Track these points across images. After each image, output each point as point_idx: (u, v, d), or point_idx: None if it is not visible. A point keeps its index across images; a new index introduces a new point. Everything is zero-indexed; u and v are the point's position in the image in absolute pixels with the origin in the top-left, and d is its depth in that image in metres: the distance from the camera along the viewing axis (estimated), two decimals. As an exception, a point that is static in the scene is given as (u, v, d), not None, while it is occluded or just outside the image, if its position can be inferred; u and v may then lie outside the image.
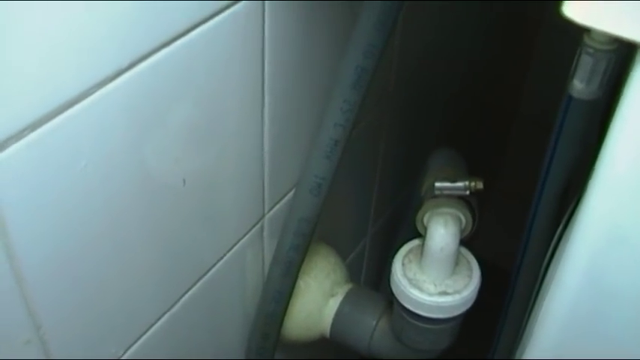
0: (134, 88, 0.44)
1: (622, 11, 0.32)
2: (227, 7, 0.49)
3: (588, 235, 0.40)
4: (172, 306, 0.61)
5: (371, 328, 0.77)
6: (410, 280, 0.69)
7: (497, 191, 1.47)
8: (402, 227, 0.96)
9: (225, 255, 0.65)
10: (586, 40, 0.51)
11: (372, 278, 1.08)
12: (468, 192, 0.68)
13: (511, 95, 1.42)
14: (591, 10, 0.33)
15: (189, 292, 0.62)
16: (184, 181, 0.54)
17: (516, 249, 0.71)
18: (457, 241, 0.67)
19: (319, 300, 0.78)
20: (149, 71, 0.45)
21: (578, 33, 0.50)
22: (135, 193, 0.50)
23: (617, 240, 0.39)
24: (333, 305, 0.78)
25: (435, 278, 0.68)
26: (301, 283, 0.76)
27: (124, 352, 0.57)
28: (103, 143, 0.44)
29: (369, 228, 1.00)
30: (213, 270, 0.64)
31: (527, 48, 1.34)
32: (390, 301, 0.75)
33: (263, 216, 0.68)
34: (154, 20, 0.44)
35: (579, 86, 0.60)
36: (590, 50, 0.57)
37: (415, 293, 0.68)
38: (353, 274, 0.93)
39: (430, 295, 0.68)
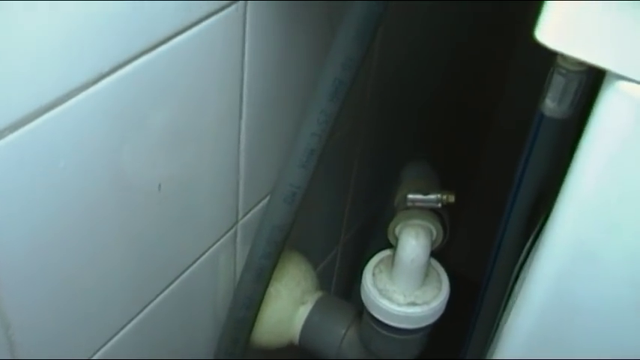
0: (114, 93, 0.45)
1: (592, 38, 0.33)
2: (209, 16, 0.50)
3: (555, 250, 0.41)
4: (144, 308, 0.61)
5: (340, 336, 0.78)
6: (380, 290, 0.69)
7: (471, 202, 1.48)
8: (373, 237, 0.97)
9: (197, 259, 0.65)
10: (559, 60, 0.52)
11: (342, 287, 1.09)
12: (439, 205, 0.69)
13: (487, 107, 1.44)
14: (562, 35, 0.34)
15: (162, 295, 0.62)
16: (160, 185, 0.54)
17: (486, 261, 0.73)
18: (428, 252, 0.68)
19: (289, 307, 0.78)
20: (130, 77, 0.45)
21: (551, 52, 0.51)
22: (111, 196, 0.50)
23: (583, 256, 0.41)
24: (303, 313, 0.79)
25: (404, 289, 0.69)
26: (272, 290, 0.76)
27: (94, 353, 0.57)
28: (81, 146, 0.44)
29: (341, 237, 1.01)
30: (186, 273, 0.64)
31: (504, 60, 1.35)
32: (360, 311, 0.76)
33: (236, 222, 0.69)
34: (137, 27, 0.44)
35: (551, 105, 0.61)
36: (563, 71, 0.58)
37: (385, 303, 0.69)
38: (324, 283, 0.94)
39: (399, 305, 0.68)
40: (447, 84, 1.12)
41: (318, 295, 0.81)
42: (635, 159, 0.36)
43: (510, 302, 0.61)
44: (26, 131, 0.39)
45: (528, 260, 0.58)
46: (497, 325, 0.63)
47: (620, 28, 0.33)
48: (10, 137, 0.39)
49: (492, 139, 1.49)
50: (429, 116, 1.12)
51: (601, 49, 0.33)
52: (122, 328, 0.59)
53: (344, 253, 1.04)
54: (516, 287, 0.60)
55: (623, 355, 0.43)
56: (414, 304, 0.69)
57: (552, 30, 0.34)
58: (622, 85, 0.35)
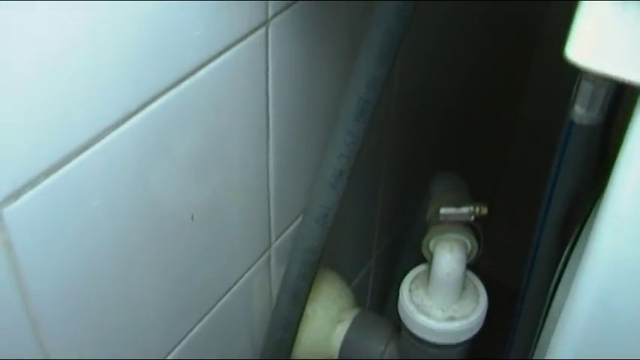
0: (143, 129, 0.45)
1: (624, 55, 0.32)
2: (232, 45, 0.50)
3: (596, 266, 0.40)
4: (182, 339, 0.61)
5: (379, 353, 0.78)
6: (417, 306, 0.69)
7: (504, 206, 1.47)
8: (405, 251, 0.96)
9: (233, 286, 0.65)
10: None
11: (377, 303, 1.09)
12: (472, 217, 0.68)
13: (510, 115, 1.43)
14: (594, 54, 0.33)
15: (198, 325, 0.63)
16: (193, 216, 0.54)
17: (523, 270, 0.72)
18: (463, 266, 0.68)
19: (327, 326, 0.78)
20: (157, 112, 0.46)
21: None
22: (144, 230, 0.50)
23: (625, 272, 0.40)
24: (340, 331, 0.79)
25: (442, 304, 0.69)
26: (308, 310, 0.76)
27: (136, 387, 0.57)
28: (113, 183, 0.45)
29: (373, 252, 1.00)
30: (222, 301, 0.65)
31: (525, 68, 1.35)
32: (398, 326, 0.76)
33: (270, 246, 0.69)
34: (162, 63, 0.44)
35: (580, 112, 0.61)
36: (591, 77, 0.58)
37: (422, 319, 0.68)
38: (358, 299, 0.93)
39: (437, 320, 0.68)
40: (471, 93, 1.11)
41: (354, 312, 0.81)
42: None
43: (550, 313, 0.61)
44: (59, 175, 0.40)
45: (566, 272, 0.58)
46: (538, 336, 0.62)
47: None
48: (45, 182, 0.39)
49: (516, 147, 1.49)
50: (454, 128, 1.11)
51: (634, 64, 0.33)
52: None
53: (377, 269, 1.04)
54: (555, 299, 0.60)
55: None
56: (452, 318, 0.68)
57: (583, 47, 0.33)
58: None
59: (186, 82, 0.47)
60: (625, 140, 0.37)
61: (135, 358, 0.56)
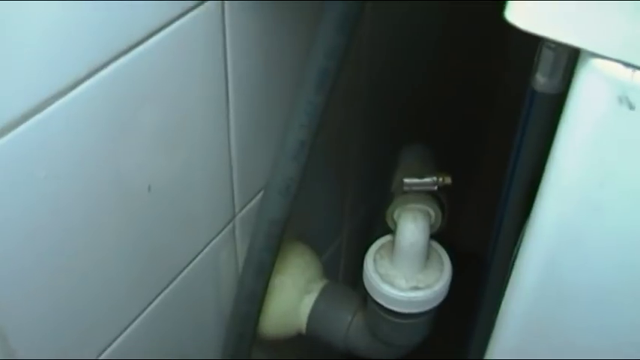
0: (93, 97, 0.45)
1: (561, 16, 0.32)
2: (185, 12, 0.50)
3: (542, 234, 0.41)
4: (147, 307, 0.61)
5: (346, 323, 0.78)
6: (382, 276, 0.69)
7: (480, 181, 1.47)
8: (377, 224, 0.97)
9: (197, 256, 0.66)
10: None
11: (350, 276, 1.09)
12: (436, 187, 0.69)
13: (488, 86, 1.43)
14: (532, 15, 0.33)
15: (163, 294, 0.63)
16: (150, 187, 0.54)
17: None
18: (427, 236, 0.68)
19: (295, 297, 0.79)
20: (109, 79, 0.45)
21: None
22: (101, 200, 0.50)
23: (569, 240, 0.40)
24: (308, 302, 0.79)
25: (406, 273, 0.69)
26: (276, 282, 0.76)
27: (100, 354, 0.57)
28: (61, 153, 0.44)
29: (344, 225, 1.01)
30: (186, 270, 0.65)
31: (503, 37, 1.34)
32: (365, 297, 0.76)
33: (234, 217, 0.69)
34: (111, 29, 0.44)
35: (542, 80, 0.61)
36: (552, 44, 0.58)
37: (387, 289, 0.68)
38: (330, 273, 0.94)
39: (402, 290, 0.68)
40: (444, 65, 1.11)
41: (323, 283, 0.81)
42: (613, 138, 0.36)
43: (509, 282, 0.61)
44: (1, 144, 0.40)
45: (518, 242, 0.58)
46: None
47: (588, 4, 0.33)
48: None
49: (495, 118, 1.48)
50: (427, 100, 1.11)
51: (571, 27, 0.33)
52: (126, 328, 0.60)
53: (349, 242, 1.04)
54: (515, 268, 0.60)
55: (615, 337, 0.43)
56: (416, 288, 0.68)
57: (522, 10, 0.33)
58: (596, 62, 0.35)
59: (139, 49, 0.47)
60: (565, 107, 0.37)
61: (98, 324, 0.56)
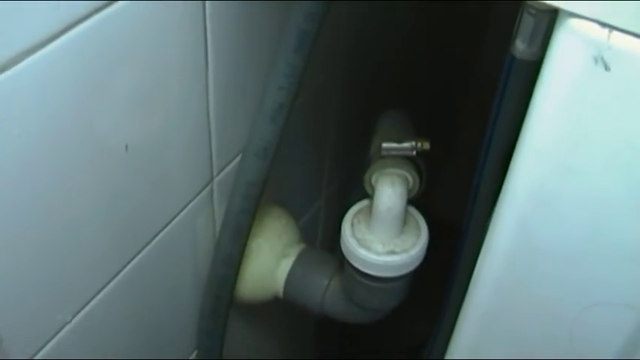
0: (67, 54, 0.44)
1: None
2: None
3: (516, 196, 0.41)
4: (122, 269, 0.61)
5: (323, 287, 0.78)
6: (358, 240, 0.70)
7: (458, 147, 1.48)
8: (355, 189, 0.97)
9: (174, 218, 0.65)
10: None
11: (328, 241, 1.10)
12: (414, 152, 0.69)
13: (469, 52, 1.42)
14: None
15: (140, 255, 0.63)
16: (127, 146, 0.54)
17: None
18: (404, 201, 0.68)
19: (271, 261, 0.79)
20: (84, 36, 0.45)
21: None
22: (75, 158, 0.50)
23: (542, 201, 0.41)
24: (285, 266, 0.79)
25: (382, 238, 0.69)
26: (253, 245, 0.76)
27: (75, 315, 0.57)
28: (36, 110, 0.44)
29: (323, 190, 1.01)
30: (163, 232, 0.65)
31: (484, 3, 1.34)
32: (342, 262, 0.76)
33: (212, 179, 0.68)
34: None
35: (521, 47, 0.61)
36: (532, 11, 0.57)
37: (363, 253, 0.69)
38: (309, 237, 0.94)
39: (378, 254, 0.69)
40: (426, 31, 1.11)
41: (300, 247, 0.81)
42: (588, 99, 0.36)
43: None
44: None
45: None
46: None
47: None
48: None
49: (474, 84, 1.48)
50: (406, 66, 1.11)
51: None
52: (101, 290, 0.59)
53: (328, 207, 1.04)
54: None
55: (584, 300, 0.43)
56: (392, 252, 0.69)
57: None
58: (573, 22, 0.35)
59: (114, 6, 0.46)
60: (542, 69, 0.37)
61: (73, 285, 0.56)
